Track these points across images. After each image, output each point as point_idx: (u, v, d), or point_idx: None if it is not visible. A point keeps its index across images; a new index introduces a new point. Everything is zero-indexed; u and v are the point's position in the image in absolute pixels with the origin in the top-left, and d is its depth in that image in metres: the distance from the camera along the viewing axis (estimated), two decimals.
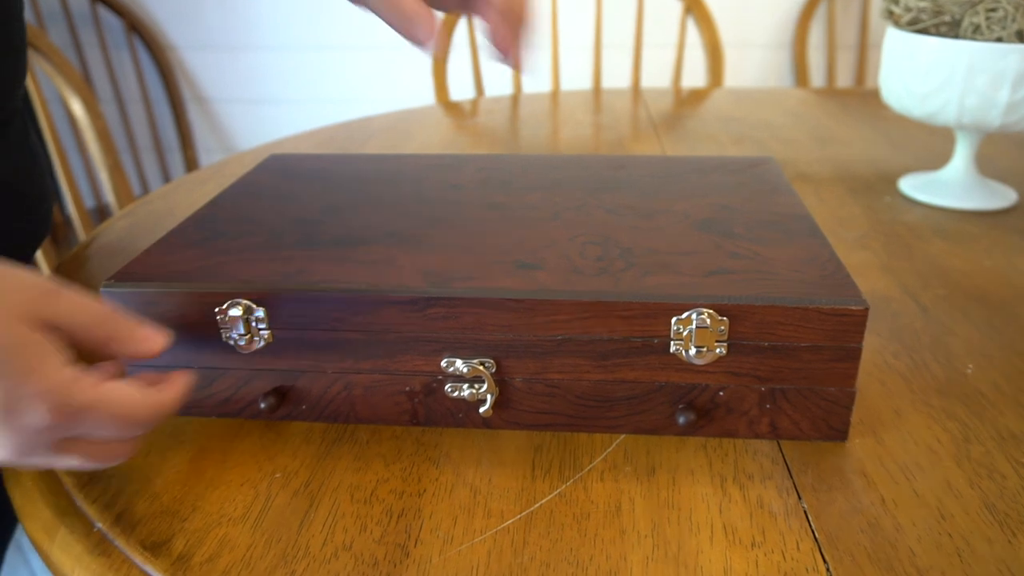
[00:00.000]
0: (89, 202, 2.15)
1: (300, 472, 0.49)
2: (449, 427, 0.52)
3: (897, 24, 0.88)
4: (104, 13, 2.10)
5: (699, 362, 0.49)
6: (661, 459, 0.49)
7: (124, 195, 1.43)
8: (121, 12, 2.08)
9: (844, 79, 2.01)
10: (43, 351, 0.39)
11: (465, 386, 0.51)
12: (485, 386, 0.50)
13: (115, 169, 1.42)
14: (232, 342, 0.51)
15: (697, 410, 0.50)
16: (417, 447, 0.51)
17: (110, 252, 0.80)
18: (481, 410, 0.51)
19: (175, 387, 0.45)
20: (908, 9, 0.87)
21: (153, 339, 0.45)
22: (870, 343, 0.61)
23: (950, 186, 0.90)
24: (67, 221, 1.65)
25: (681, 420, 0.50)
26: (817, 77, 2.01)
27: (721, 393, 0.50)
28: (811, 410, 0.50)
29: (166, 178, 2.24)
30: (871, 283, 0.71)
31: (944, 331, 0.62)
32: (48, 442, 0.40)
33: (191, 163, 2.23)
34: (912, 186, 0.92)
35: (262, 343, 0.51)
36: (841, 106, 1.31)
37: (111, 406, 0.41)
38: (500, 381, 0.51)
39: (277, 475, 0.49)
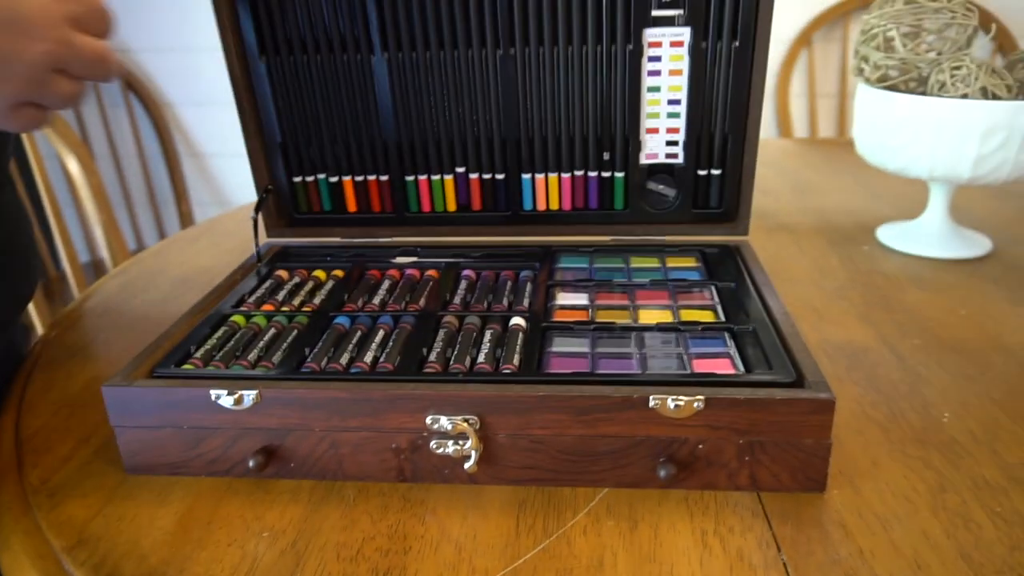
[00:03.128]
0: (84, 256, 2.16)
1: (287, 531, 0.49)
2: (435, 483, 0.53)
3: (868, 81, 0.91)
4: None
5: (678, 416, 0.50)
6: (643, 512, 0.50)
7: (118, 250, 1.44)
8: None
9: (826, 126, 2.05)
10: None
11: (450, 443, 0.52)
12: (470, 442, 0.51)
13: (109, 225, 1.43)
14: (220, 400, 0.52)
15: (677, 463, 0.51)
16: (403, 503, 0.51)
17: (103, 310, 0.81)
18: (466, 466, 0.52)
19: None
20: (877, 67, 0.90)
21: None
22: (848, 392, 0.62)
23: (926, 235, 0.92)
24: (62, 276, 1.65)
25: (662, 473, 0.51)
26: (800, 124, 2.05)
27: (700, 446, 0.51)
28: (789, 462, 0.51)
29: (161, 232, 2.26)
30: (849, 333, 0.72)
31: (921, 380, 0.64)
32: (46, 71, 0.47)
33: (185, 217, 2.25)
34: (889, 236, 0.94)
35: (251, 402, 0.52)
36: (822, 156, 1.34)
37: (95, 46, 0.49)
38: (484, 437, 0.52)
39: (264, 534, 0.49)
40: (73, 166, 1.41)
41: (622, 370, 0.54)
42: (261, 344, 0.59)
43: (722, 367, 0.54)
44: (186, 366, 0.56)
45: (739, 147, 0.73)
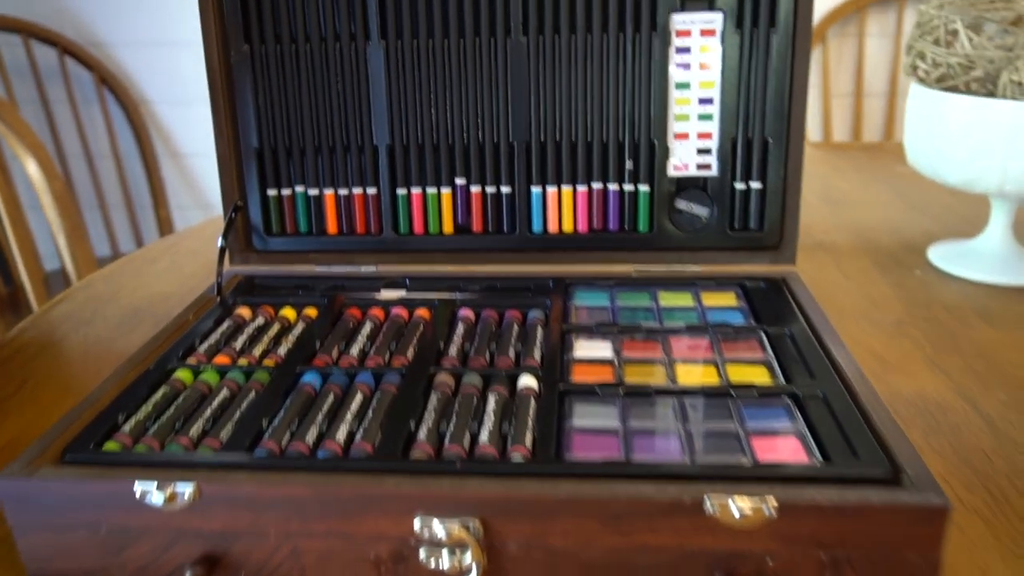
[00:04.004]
0: (52, 264, 2.02)
1: None
2: None
3: (923, 81, 0.79)
4: (73, 67, 2.01)
5: (742, 525, 0.38)
6: None
7: (84, 261, 1.32)
8: (91, 66, 1.99)
9: (840, 128, 1.93)
10: None
11: (445, 553, 0.40)
12: (470, 554, 0.39)
13: (74, 233, 1.31)
14: (148, 497, 0.40)
15: None
16: None
17: (38, 348, 0.70)
18: None
19: None
20: (936, 65, 0.78)
21: None
22: (933, 467, 0.51)
23: (987, 258, 0.80)
24: (14, 291, 1.52)
25: None
26: (812, 125, 1.93)
27: (770, 562, 0.39)
28: None
29: (137, 237, 2.13)
30: (919, 384, 0.60)
31: (1018, 450, 0.52)
32: None
33: (164, 222, 2.13)
34: (943, 257, 0.82)
35: (187, 499, 0.40)
36: (848, 162, 1.23)
37: None
38: (489, 547, 0.40)
39: None
40: (33, 169, 1.29)
41: (664, 456, 0.43)
42: (208, 412, 0.47)
43: (792, 452, 0.43)
44: (109, 445, 0.44)
45: (782, 154, 0.62)
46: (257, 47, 0.63)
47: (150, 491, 0.40)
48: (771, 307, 0.59)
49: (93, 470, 0.42)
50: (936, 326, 0.69)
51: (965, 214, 0.96)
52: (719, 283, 0.63)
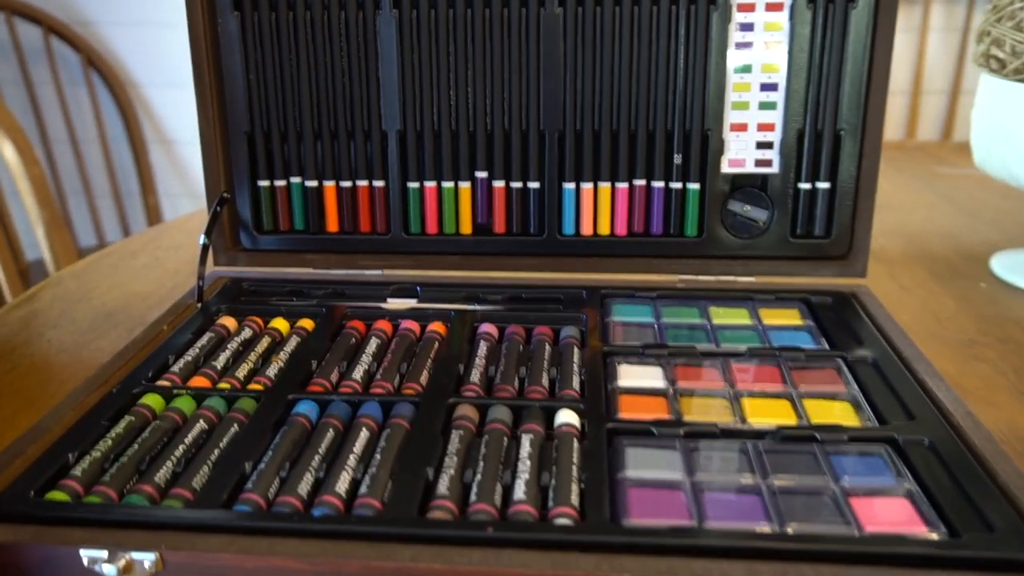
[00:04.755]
0: (33, 254, 1.93)
1: None
2: None
3: (1000, 72, 0.70)
4: (59, 47, 1.91)
5: None
6: None
7: (64, 252, 1.23)
8: (78, 46, 1.89)
9: (893, 130, 1.81)
10: None
11: None
12: None
13: (53, 222, 1.22)
14: (99, 569, 0.32)
15: None
16: None
17: None
18: None
19: None
20: (1016, 54, 0.69)
21: None
22: None
23: None
24: None
25: None
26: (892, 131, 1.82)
27: None
28: None
29: (124, 226, 2.04)
30: (1009, 416, 0.52)
31: None
32: None
33: (152, 210, 2.03)
34: (1009, 268, 0.74)
35: (148, 571, 0.32)
36: (887, 162, 1.14)
37: None
38: None
39: None
40: (9, 153, 1.20)
41: (745, 520, 0.34)
42: (180, 451, 0.39)
43: (905, 519, 0.34)
44: (54, 494, 0.36)
45: (856, 151, 0.53)
46: (249, 15, 0.54)
47: (100, 560, 0.32)
48: (843, 328, 0.50)
49: (30, 530, 0.33)
50: (1015, 348, 0.61)
51: None
52: (779, 297, 0.54)
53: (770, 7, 0.52)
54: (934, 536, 0.33)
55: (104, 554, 0.32)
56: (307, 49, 0.54)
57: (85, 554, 0.32)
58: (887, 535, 0.33)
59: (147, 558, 0.32)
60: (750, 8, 0.52)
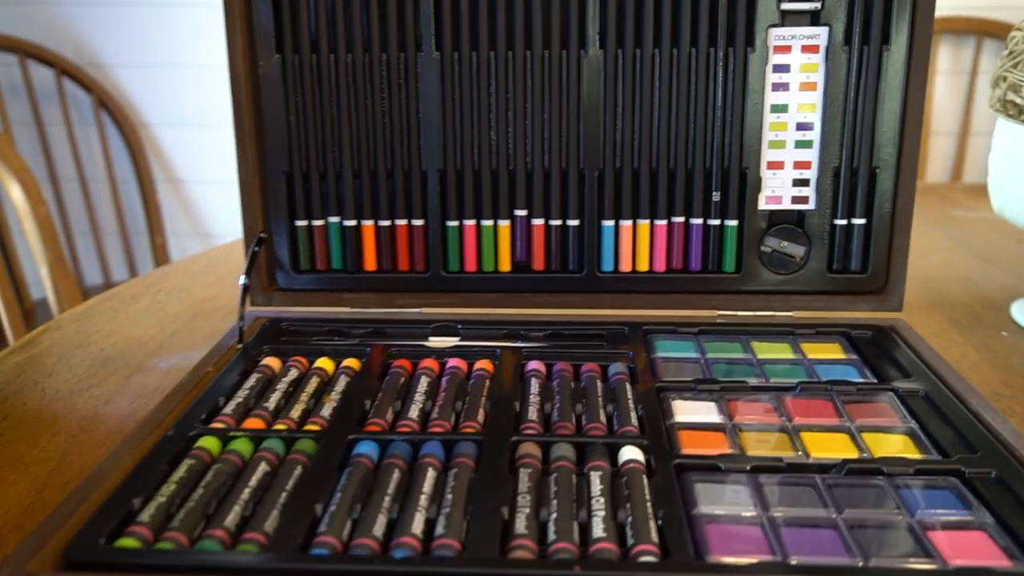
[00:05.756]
0: (38, 293, 1.90)
1: None
2: None
3: (1017, 118, 0.72)
4: (71, 88, 1.91)
5: None
6: None
7: (67, 292, 1.22)
8: (90, 87, 1.89)
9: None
10: None
11: None
12: None
13: (57, 263, 1.21)
14: None
15: None
16: None
17: None
18: None
19: None
20: None
21: None
22: None
23: None
24: None
25: None
26: None
27: None
28: None
29: (131, 265, 2.02)
30: None
31: None
32: None
33: (160, 250, 2.02)
34: None
35: None
36: None
37: None
38: None
39: None
40: (16, 194, 1.19)
41: (827, 554, 0.34)
42: (246, 494, 0.38)
43: (986, 552, 0.34)
44: (125, 541, 0.35)
45: (891, 187, 0.54)
46: (290, 57, 0.55)
47: None
48: (888, 360, 0.51)
49: None
50: None
51: None
52: (819, 332, 0.55)
53: (806, 49, 0.53)
54: (1017, 567, 0.33)
55: None
56: (348, 90, 0.55)
57: None
58: (974, 567, 0.33)
59: None
60: (786, 50, 0.53)
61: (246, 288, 0.55)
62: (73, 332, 0.71)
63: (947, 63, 1.71)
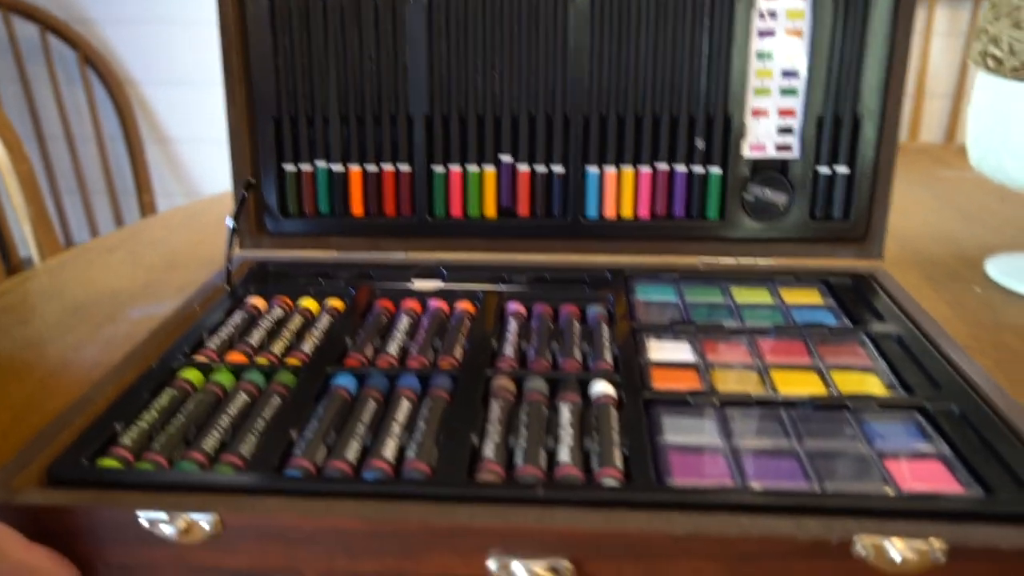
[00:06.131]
0: (25, 252, 1.92)
1: None
2: None
3: (998, 71, 0.72)
4: (56, 44, 1.90)
5: (900, 572, 0.31)
6: None
7: (50, 250, 1.22)
8: (75, 43, 1.88)
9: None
10: None
11: None
12: None
13: (40, 220, 1.21)
14: (159, 530, 0.33)
15: None
16: None
17: None
18: None
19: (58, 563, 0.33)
20: (1014, 52, 0.71)
21: None
22: None
23: None
24: None
25: None
26: None
27: None
28: None
29: (119, 224, 2.03)
30: None
31: None
32: None
33: (148, 208, 2.02)
34: (1005, 272, 0.73)
35: (207, 532, 0.33)
36: None
37: None
38: None
39: None
40: None
41: (785, 480, 0.35)
42: (225, 421, 0.39)
43: (941, 480, 0.35)
44: (106, 461, 0.36)
45: (876, 135, 0.54)
46: (278, 1, 0.55)
47: (161, 522, 0.32)
48: (864, 306, 0.51)
49: (88, 494, 0.34)
50: (1007, 353, 0.61)
51: (1022, 223, 0.89)
52: (799, 278, 0.55)
53: None
54: (970, 494, 0.34)
55: (164, 515, 0.32)
56: (335, 34, 0.55)
57: (144, 516, 0.33)
58: (925, 493, 0.34)
59: (206, 519, 0.32)
60: None
61: (234, 231, 0.55)
62: (48, 283, 0.71)
63: (944, 24, 1.69)
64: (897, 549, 0.31)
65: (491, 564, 0.32)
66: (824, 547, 0.31)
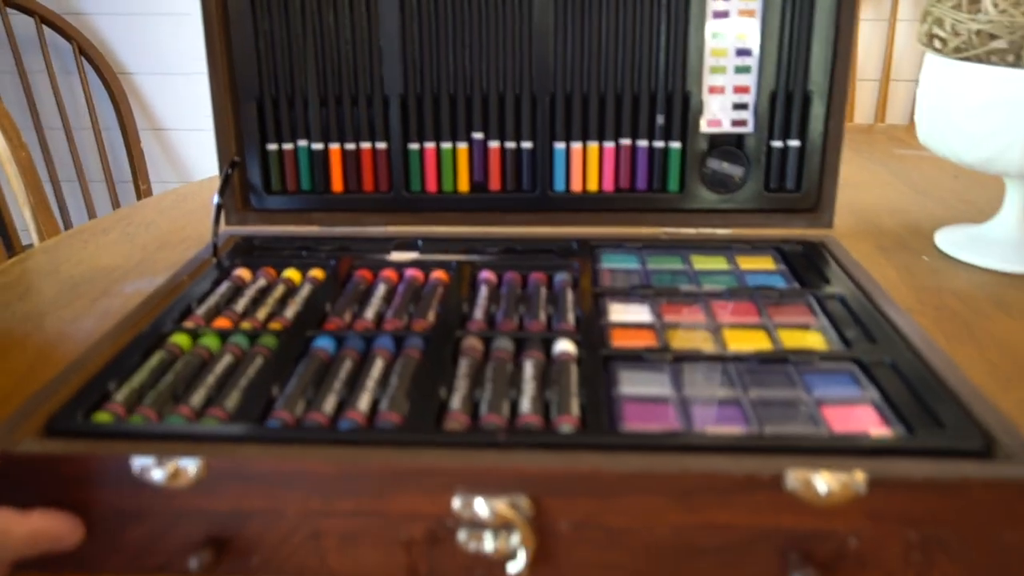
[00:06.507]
0: (26, 240, 1.94)
1: None
2: None
3: (942, 51, 0.75)
4: (52, 36, 1.92)
5: (826, 503, 0.34)
6: None
7: (51, 235, 1.25)
8: (70, 35, 1.90)
9: (864, 116, 1.86)
10: None
11: (487, 535, 0.35)
12: (517, 535, 0.35)
13: (40, 207, 1.24)
14: (149, 476, 0.35)
15: (817, 566, 0.35)
16: None
17: None
18: (512, 569, 0.36)
19: (42, 520, 0.35)
20: (956, 33, 0.73)
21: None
22: None
23: (1001, 244, 0.74)
24: None
25: None
26: None
27: (852, 542, 0.35)
28: (975, 564, 0.35)
29: None
30: None
31: None
32: None
33: (144, 196, 2.04)
34: (953, 243, 0.76)
35: (193, 477, 0.35)
36: (848, 145, 1.18)
37: None
38: (539, 528, 0.35)
39: None
40: None
41: (728, 425, 0.38)
42: (211, 379, 0.42)
43: (870, 423, 0.39)
44: (100, 416, 0.39)
45: (824, 110, 0.57)
46: None
47: (150, 467, 0.35)
48: (814, 270, 0.55)
49: (83, 443, 0.37)
50: (948, 315, 0.64)
51: (973, 199, 0.92)
52: (755, 246, 0.58)
53: None
54: (893, 433, 0.37)
55: (152, 461, 0.35)
56: (313, 19, 0.58)
57: (136, 462, 0.35)
58: (853, 433, 0.37)
59: (192, 464, 0.35)
60: None
61: (220, 207, 0.58)
62: (44, 261, 0.74)
63: (908, 11, 1.74)
64: (823, 481, 0.34)
65: (455, 502, 0.35)
66: (758, 481, 0.34)
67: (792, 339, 0.46)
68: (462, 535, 0.35)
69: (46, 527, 0.36)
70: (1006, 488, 0.34)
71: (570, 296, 0.51)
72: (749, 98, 0.58)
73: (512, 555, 0.35)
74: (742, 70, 0.58)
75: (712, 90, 0.58)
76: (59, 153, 1.98)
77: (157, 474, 0.35)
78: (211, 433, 0.38)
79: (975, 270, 0.72)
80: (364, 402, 0.40)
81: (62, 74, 1.95)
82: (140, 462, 0.36)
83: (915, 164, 1.03)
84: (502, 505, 0.35)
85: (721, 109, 0.58)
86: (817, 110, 0.57)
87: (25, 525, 0.35)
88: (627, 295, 0.51)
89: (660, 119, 0.58)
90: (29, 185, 1.21)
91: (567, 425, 0.38)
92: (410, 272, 0.55)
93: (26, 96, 1.91)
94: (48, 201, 1.25)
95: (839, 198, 0.67)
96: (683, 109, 0.58)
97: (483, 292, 0.51)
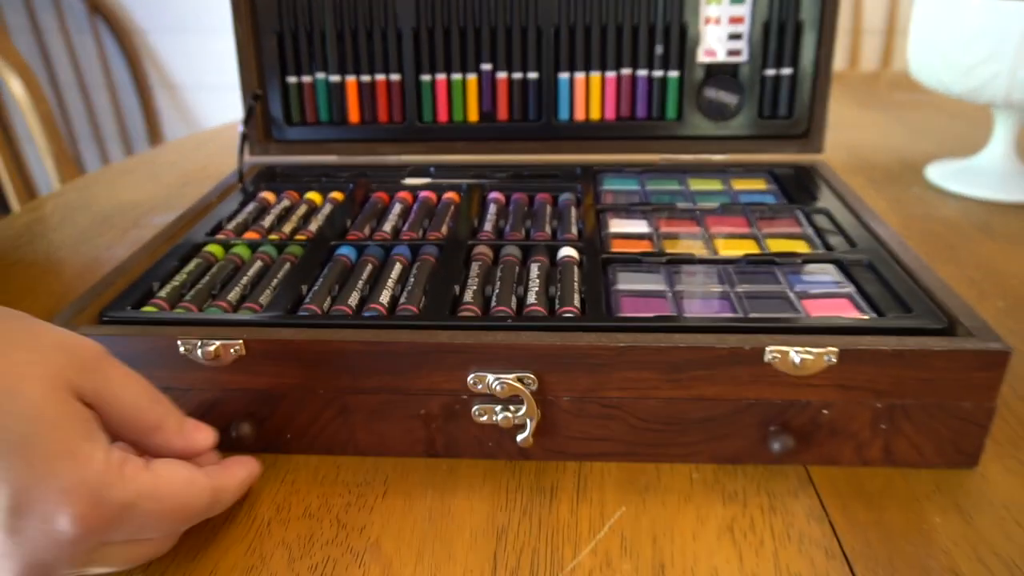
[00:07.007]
0: (46, 189, 1.98)
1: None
2: (477, 459, 0.41)
3: None
4: None
5: (801, 374, 0.38)
6: (672, 550, 0.36)
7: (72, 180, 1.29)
8: None
9: (869, 65, 1.87)
10: (86, 429, 0.30)
11: (498, 408, 0.39)
12: (524, 408, 0.39)
13: (62, 157, 1.28)
14: (195, 355, 0.40)
15: (794, 432, 0.39)
16: (337, 529, 0.38)
17: None
18: (519, 438, 0.40)
19: (239, 469, 0.37)
20: None
21: (204, 434, 0.36)
22: None
23: (988, 175, 0.78)
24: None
25: (776, 446, 0.39)
26: (840, 61, 1.87)
27: (825, 411, 0.39)
28: (937, 431, 0.39)
29: None
30: None
31: (1016, 356, 0.51)
32: (71, 556, 0.30)
33: None
34: (942, 175, 0.80)
35: (233, 356, 0.40)
36: (846, 89, 1.21)
37: (162, 499, 0.32)
38: (543, 401, 0.39)
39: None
40: (18, 88, 1.25)
41: (718, 313, 0.42)
42: (244, 280, 0.46)
43: (844, 310, 0.42)
44: (147, 308, 0.43)
45: (815, 39, 0.60)
46: None
47: (194, 347, 0.39)
48: (803, 191, 0.58)
49: (134, 328, 0.41)
50: (933, 239, 0.67)
51: (965, 136, 0.94)
52: (748, 170, 0.62)
53: None
54: (865, 316, 0.41)
55: (197, 342, 0.39)
56: None
57: (180, 343, 0.40)
58: (829, 316, 0.41)
59: (233, 345, 0.39)
60: None
61: (244, 136, 0.62)
62: (75, 197, 0.78)
63: None
64: (799, 356, 0.38)
65: (470, 379, 0.39)
66: (739, 354, 0.38)
67: (779, 246, 0.50)
68: (476, 409, 0.39)
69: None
70: (964, 358, 0.37)
71: (573, 212, 0.54)
72: (743, 28, 0.61)
73: (520, 427, 0.40)
74: (737, 1, 0.60)
75: (708, 21, 0.61)
76: (75, 111, 2.02)
77: (201, 352, 0.39)
78: (248, 320, 0.42)
79: (963, 200, 0.75)
80: (385, 297, 0.44)
81: (76, 32, 1.98)
82: (185, 343, 0.40)
83: (912, 107, 1.05)
84: (511, 380, 0.39)
85: (717, 39, 0.61)
86: (808, 39, 0.60)
87: (236, 477, 0.37)
88: (627, 211, 0.55)
89: (659, 49, 0.61)
90: (50, 136, 1.25)
91: (569, 312, 0.42)
92: (424, 194, 0.58)
93: (42, 55, 1.95)
94: (68, 152, 1.29)
95: (834, 137, 0.70)
96: (680, 39, 0.61)
97: (492, 209, 0.55)
